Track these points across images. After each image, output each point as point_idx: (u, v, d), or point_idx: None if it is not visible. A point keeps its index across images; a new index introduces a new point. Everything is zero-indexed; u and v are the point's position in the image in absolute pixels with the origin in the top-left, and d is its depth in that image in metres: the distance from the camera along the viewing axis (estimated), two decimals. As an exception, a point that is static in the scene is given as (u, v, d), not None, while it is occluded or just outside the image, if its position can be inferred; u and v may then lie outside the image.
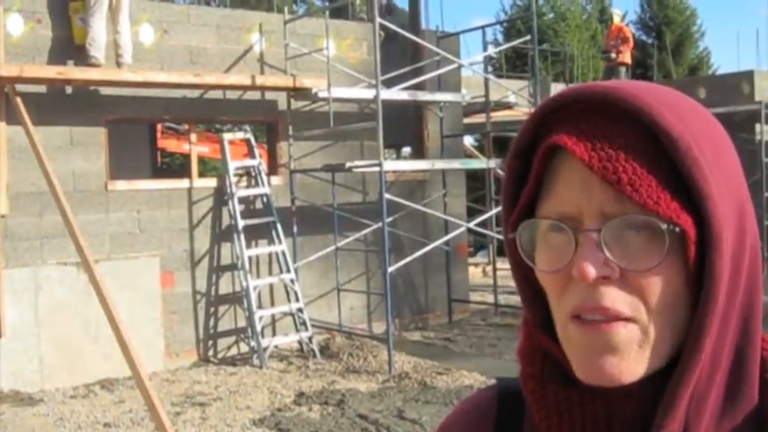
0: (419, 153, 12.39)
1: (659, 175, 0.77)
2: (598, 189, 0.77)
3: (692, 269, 0.77)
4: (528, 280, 0.86)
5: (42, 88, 8.88)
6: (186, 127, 11.83)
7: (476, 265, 17.06)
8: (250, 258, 9.91)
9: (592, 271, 0.75)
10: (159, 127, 16.27)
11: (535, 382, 0.85)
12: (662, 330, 0.77)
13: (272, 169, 10.72)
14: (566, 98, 0.82)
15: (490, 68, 15.05)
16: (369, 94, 9.98)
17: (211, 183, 10.22)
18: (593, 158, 0.77)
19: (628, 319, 0.76)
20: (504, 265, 12.71)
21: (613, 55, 16.64)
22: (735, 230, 0.79)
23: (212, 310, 10.08)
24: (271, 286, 10.32)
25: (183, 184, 9.98)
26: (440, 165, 11.04)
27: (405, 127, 12.21)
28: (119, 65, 9.13)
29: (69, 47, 9.09)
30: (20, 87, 8.55)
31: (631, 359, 0.77)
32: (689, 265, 0.77)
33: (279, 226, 10.05)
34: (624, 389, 0.79)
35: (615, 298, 0.76)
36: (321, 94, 10.05)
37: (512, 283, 0.92)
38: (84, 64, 8.94)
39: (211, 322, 10.08)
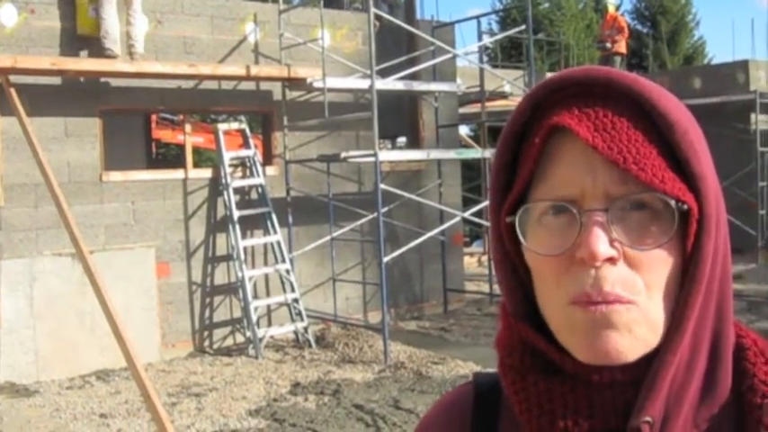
0: (414, 143, 12.38)
1: (660, 156, 0.78)
2: (602, 170, 0.77)
3: (690, 248, 0.79)
4: (514, 269, 0.85)
5: (36, 79, 8.85)
6: (181, 117, 11.80)
7: (471, 254, 17.07)
8: (245, 249, 9.90)
9: (602, 251, 0.75)
10: (154, 117, 16.24)
11: (515, 373, 0.85)
12: (659, 311, 0.78)
13: (267, 159, 10.71)
14: (563, 81, 0.82)
15: (485, 58, 15.05)
16: (364, 84, 9.96)
17: (206, 173, 10.21)
18: (597, 139, 0.77)
19: (628, 302, 0.77)
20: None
21: (608, 44, 16.64)
22: (715, 216, 0.80)
23: (208, 300, 10.08)
24: (266, 276, 10.32)
25: (178, 174, 9.97)
26: (435, 155, 11.03)
27: (400, 117, 12.20)
28: (130, 55, 9.17)
29: (63, 37, 9.05)
30: (14, 78, 8.52)
31: (633, 337, 0.77)
32: (686, 245, 0.79)
33: (274, 216, 10.05)
34: (607, 376, 0.79)
35: (617, 281, 0.76)
36: (316, 85, 10.03)
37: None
38: (100, 56, 8.98)
39: (207, 313, 10.09)
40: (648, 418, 0.78)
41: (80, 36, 9.08)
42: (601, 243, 0.75)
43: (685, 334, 0.79)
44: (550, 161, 0.80)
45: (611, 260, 0.76)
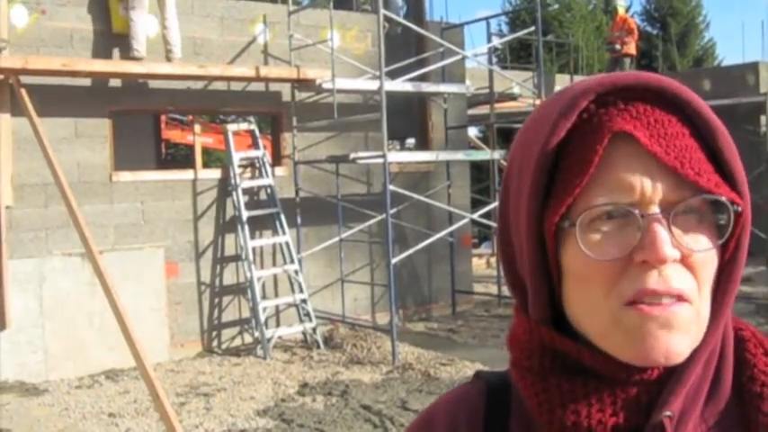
0: (423, 144, 12.38)
1: (707, 160, 0.81)
2: (659, 175, 0.79)
3: (732, 249, 0.82)
4: (547, 274, 0.84)
5: (47, 80, 8.88)
6: (190, 118, 11.83)
7: (479, 256, 17.06)
8: (254, 249, 9.92)
9: (669, 254, 0.77)
10: (163, 118, 16.28)
11: (534, 375, 0.85)
12: (707, 310, 0.81)
13: (276, 160, 10.72)
14: (613, 85, 0.82)
15: (495, 59, 15.03)
16: (373, 85, 9.97)
17: (215, 174, 10.23)
18: (655, 145, 0.79)
19: (687, 300, 0.79)
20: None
21: (618, 46, 16.59)
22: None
23: (216, 300, 10.10)
24: (275, 277, 10.33)
25: (188, 175, 9.99)
26: (444, 156, 11.03)
27: (409, 118, 12.20)
28: (169, 60, 9.30)
29: (73, 38, 9.10)
30: (24, 79, 8.56)
31: (689, 337, 0.79)
32: (727, 247, 0.82)
33: (283, 217, 10.06)
34: (637, 375, 0.81)
35: (681, 280, 0.78)
36: (325, 86, 10.04)
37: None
38: (127, 56, 9.11)
39: (216, 313, 10.11)
40: (669, 413, 0.80)
41: (115, 34, 9.24)
42: (667, 245, 0.77)
43: (719, 331, 0.83)
44: (604, 166, 0.80)
45: (673, 262, 0.78)
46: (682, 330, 0.78)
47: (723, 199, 0.79)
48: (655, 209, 0.78)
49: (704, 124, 0.82)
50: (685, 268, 0.79)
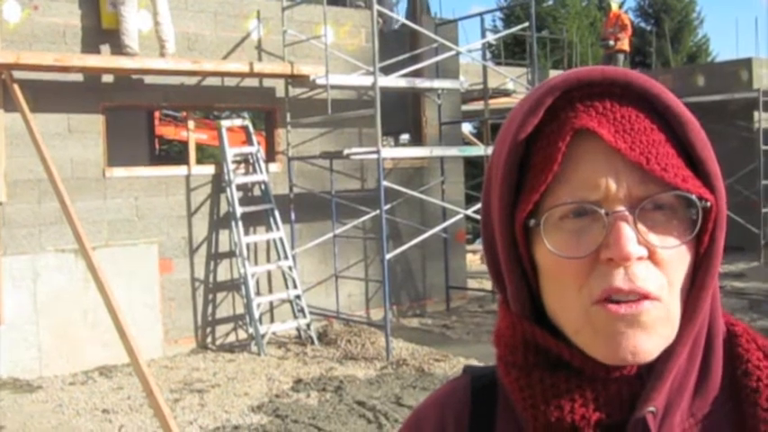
0: (417, 140, 12.38)
1: (677, 155, 0.80)
2: (624, 171, 0.78)
3: (706, 244, 0.81)
4: (522, 270, 0.85)
5: (40, 75, 8.85)
6: (184, 114, 11.80)
7: (474, 252, 17.07)
8: (248, 245, 9.91)
9: (634, 251, 0.76)
10: (157, 114, 16.25)
11: (518, 370, 0.85)
12: (678, 307, 0.80)
13: (270, 156, 10.71)
14: (579, 81, 0.82)
15: (489, 55, 15.01)
16: (367, 81, 9.96)
17: (209, 170, 10.21)
18: (620, 141, 0.78)
19: (655, 298, 0.78)
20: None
21: (612, 42, 16.58)
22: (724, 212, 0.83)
23: (211, 296, 10.09)
24: (269, 273, 10.33)
25: (181, 171, 9.97)
26: (438, 152, 11.03)
27: (403, 114, 12.20)
28: (162, 55, 9.28)
29: (66, 33, 9.06)
30: (17, 74, 8.53)
31: (658, 336, 0.79)
32: (702, 242, 0.81)
33: (277, 213, 10.05)
34: (616, 371, 0.81)
35: (647, 278, 0.78)
36: (319, 81, 10.02)
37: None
38: (119, 53, 9.08)
39: (210, 309, 10.10)
40: (652, 408, 0.79)
41: (105, 30, 9.18)
42: (631, 243, 0.76)
43: (695, 327, 0.82)
44: (570, 163, 0.80)
45: (639, 260, 0.77)
46: (649, 329, 0.78)
47: (689, 194, 0.78)
48: (620, 206, 0.78)
49: (675, 118, 0.81)
50: (654, 265, 0.78)
